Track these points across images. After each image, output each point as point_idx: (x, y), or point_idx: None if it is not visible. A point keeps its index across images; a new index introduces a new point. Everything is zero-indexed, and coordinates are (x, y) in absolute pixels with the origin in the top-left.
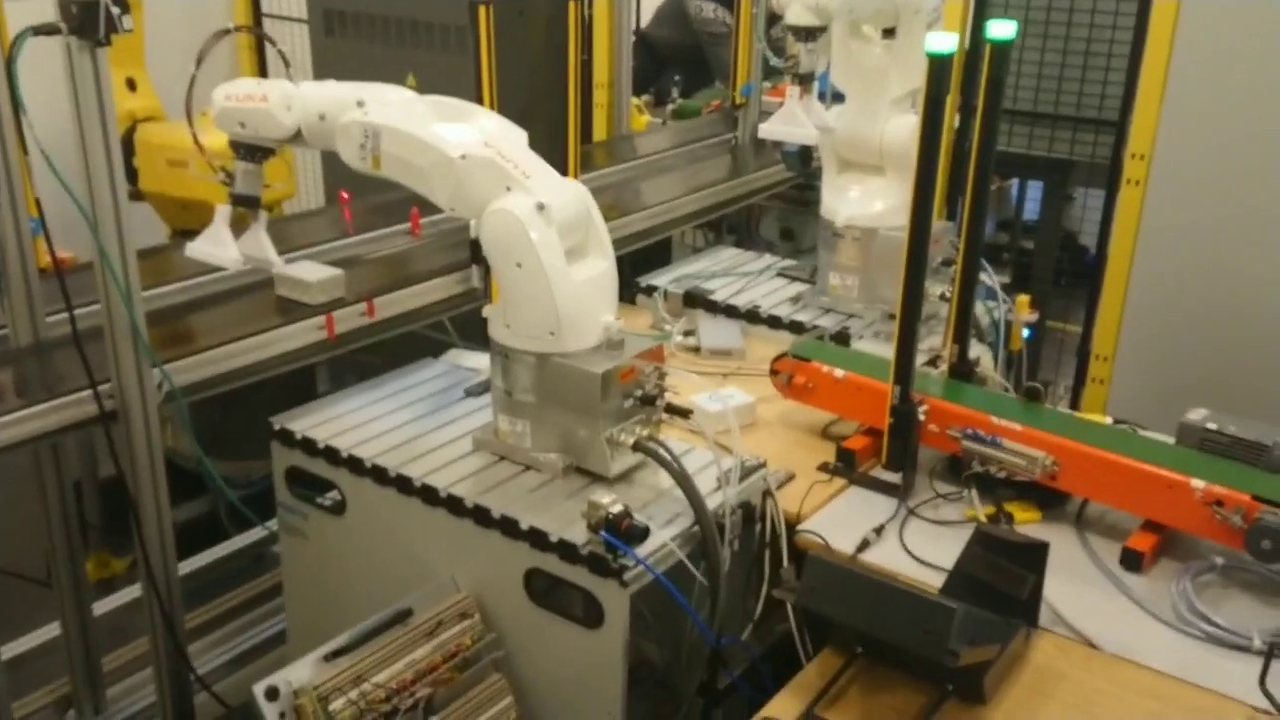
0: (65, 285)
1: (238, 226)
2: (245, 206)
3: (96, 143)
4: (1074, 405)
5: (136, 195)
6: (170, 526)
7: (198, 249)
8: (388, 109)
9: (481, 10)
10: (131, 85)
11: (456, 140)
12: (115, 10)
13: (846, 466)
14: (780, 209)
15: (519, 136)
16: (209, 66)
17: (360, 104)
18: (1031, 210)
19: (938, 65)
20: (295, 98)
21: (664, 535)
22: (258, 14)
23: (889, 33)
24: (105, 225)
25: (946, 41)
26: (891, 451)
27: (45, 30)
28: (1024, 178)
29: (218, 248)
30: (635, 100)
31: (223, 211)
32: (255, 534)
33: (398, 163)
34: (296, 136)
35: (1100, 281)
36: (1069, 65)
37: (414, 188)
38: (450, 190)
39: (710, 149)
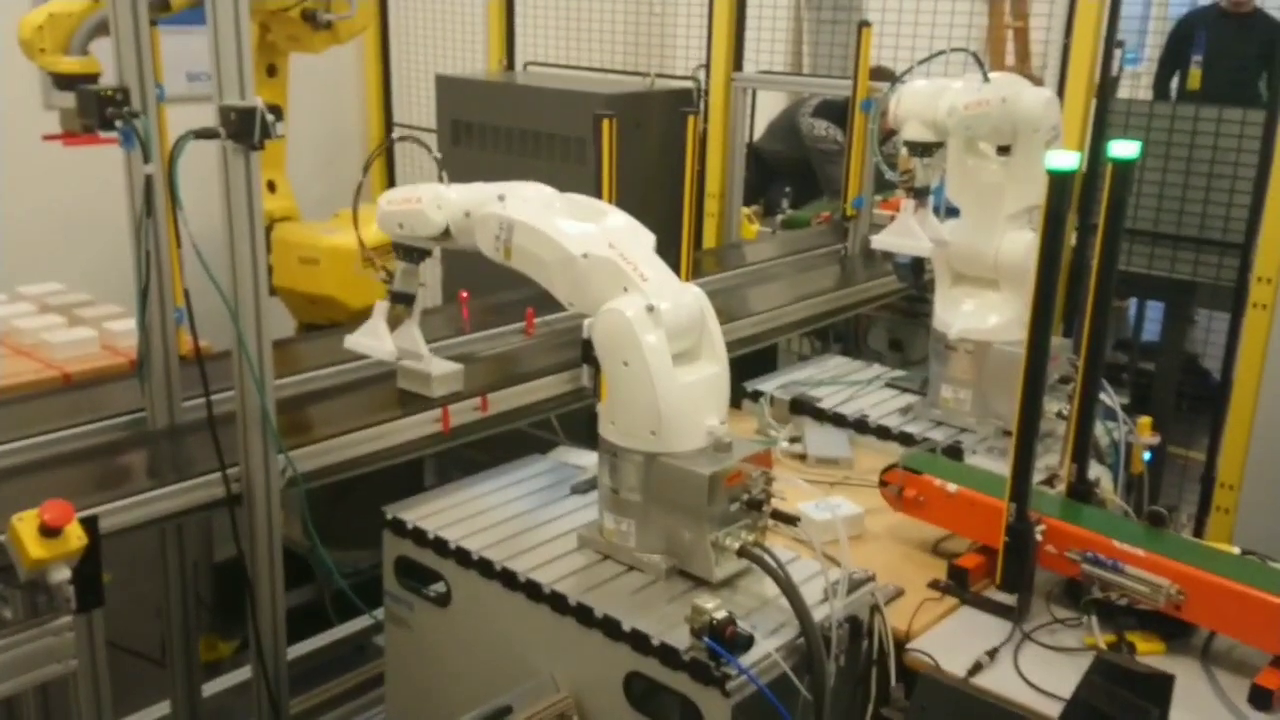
0: (205, 372)
1: (392, 323)
2: (402, 304)
3: (244, 239)
4: (1198, 534)
5: (269, 290)
6: (283, 610)
7: (357, 341)
8: (524, 205)
9: (605, 123)
10: (271, 187)
11: (581, 239)
12: (270, 118)
13: (958, 585)
14: (889, 320)
15: (646, 239)
16: (339, 174)
17: (501, 198)
18: (1150, 331)
19: (1058, 182)
20: (444, 198)
21: (768, 645)
22: (389, 123)
23: (1004, 149)
24: (246, 316)
25: (1067, 159)
26: (1006, 572)
27: (205, 134)
28: (1144, 298)
29: (375, 340)
30: (745, 210)
31: (381, 307)
32: (359, 623)
33: (526, 255)
34: (446, 234)
35: (1225, 407)
36: (1191, 186)
37: (539, 280)
38: (569, 286)
39: (819, 259)
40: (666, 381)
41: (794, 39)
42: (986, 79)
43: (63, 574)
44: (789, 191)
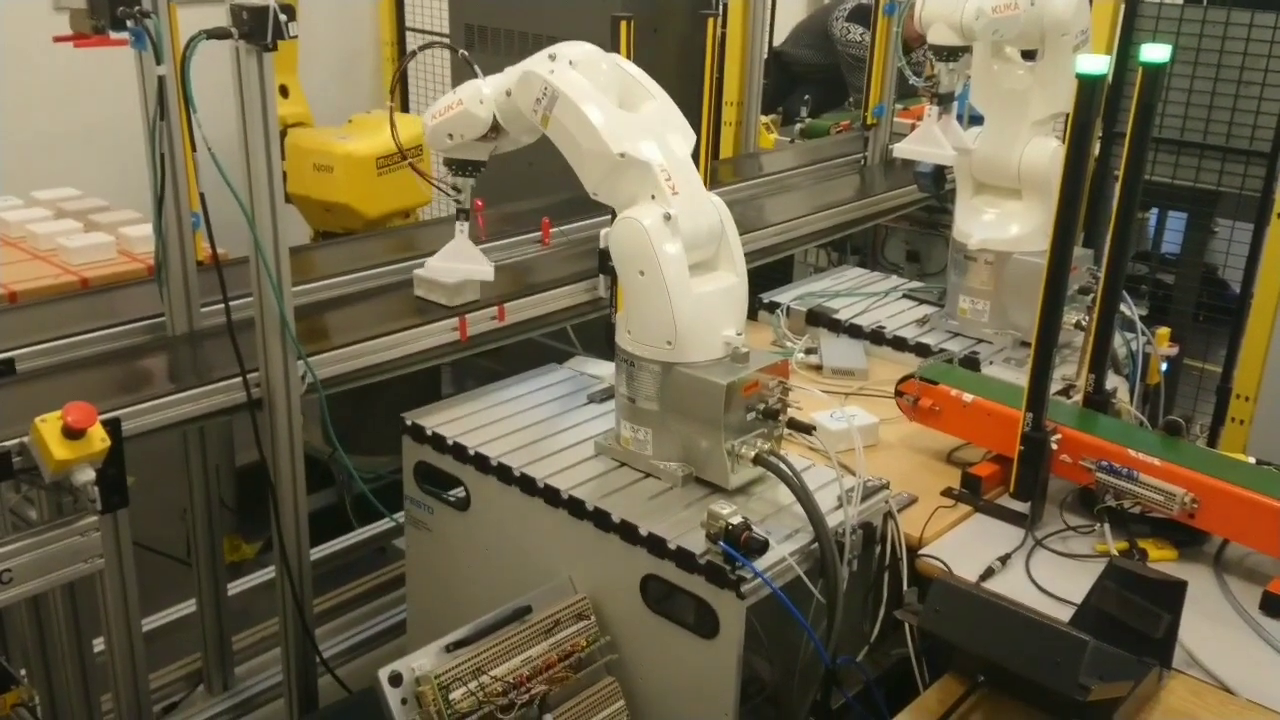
0: (223, 278)
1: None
2: (465, 220)
3: (259, 143)
4: (1212, 444)
5: (284, 197)
6: (305, 513)
7: (451, 269)
8: (571, 75)
9: (623, 25)
10: (284, 92)
11: (622, 135)
12: (283, 17)
13: (972, 493)
14: (907, 231)
15: (686, 139)
16: (353, 80)
17: (551, 57)
18: (1171, 242)
19: (1088, 87)
20: (482, 91)
21: (782, 550)
22: (401, 28)
23: (1031, 54)
24: (262, 221)
25: (1097, 63)
26: (1021, 480)
27: (217, 34)
28: (1165, 208)
29: (473, 264)
30: (764, 119)
31: (461, 228)
32: (380, 526)
33: (561, 131)
34: (495, 128)
35: (1244, 319)
36: (1220, 94)
37: (567, 157)
38: (598, 177)
39: (838, 168)
40: (683, 291)
41: None
42: None
43: (87, 475)
44: (808, 100)
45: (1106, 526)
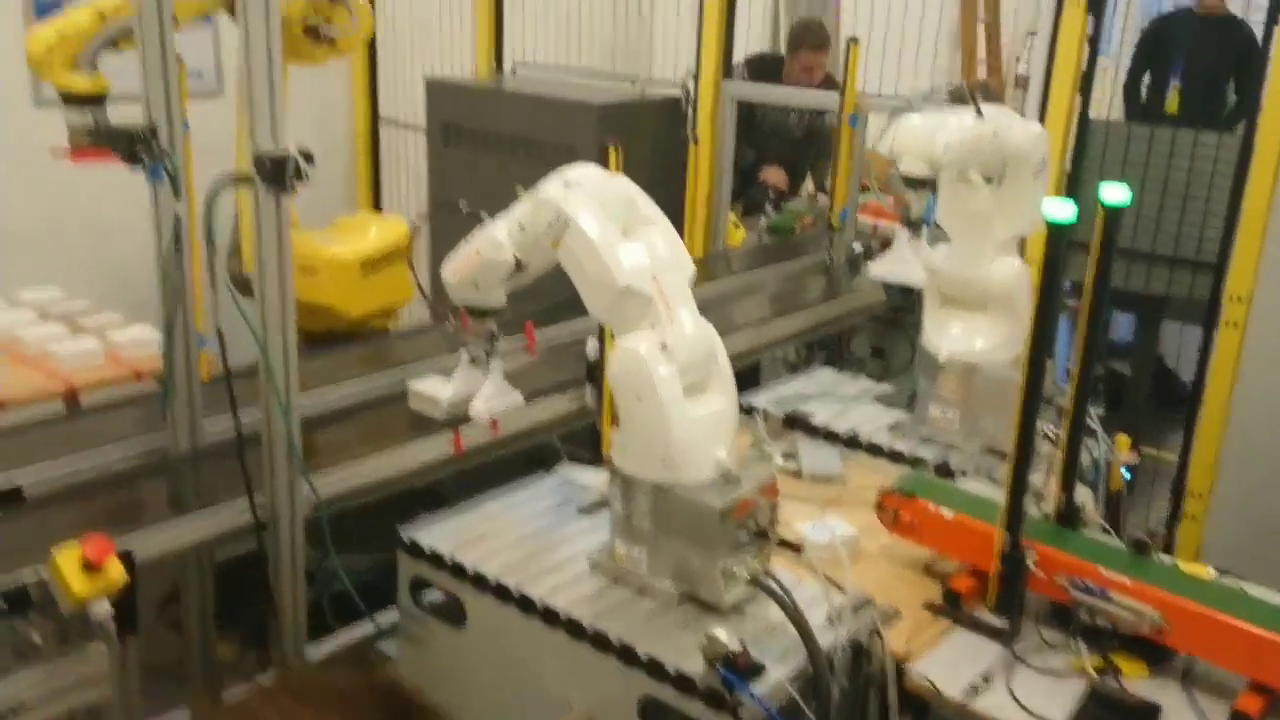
0: (234, 399)
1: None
2: (495, 356)
3: (273, 278)
4: (1169, 540)
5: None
6: (304, 628)
7: (469, 405)
8: (585, 203)
9: (612, 150)
10: None
11: (628, 270)
12: (303, 164)
13: (952, 607)
14: (872, 327)
15: (685, 268)
16: (327, 171)
17: (566, 185)
18: (1120, 329)
19: (1055, 233)
20: (494, 236)
21: (779, 673)
22: (375, 120)
23: (994, 180)
24: (275, 347)
25: (1065, 210)
26: (1000, 598)
27: (240, 180)
28: (1117, 309)
29: (507, 396)
30: (732, 216)
31: (465, 361)
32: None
33: (571, 256)
34: (519, 267)
35: (1194, 419)
36: (1167, 206)
37: (574, 280)
38: (601, 305)
39: (806, 268)
40: (678, 416)
41: (772, 37)
42: (979, 114)
43: (104, 609)
44: (772, 195)
45: (1082, 644)
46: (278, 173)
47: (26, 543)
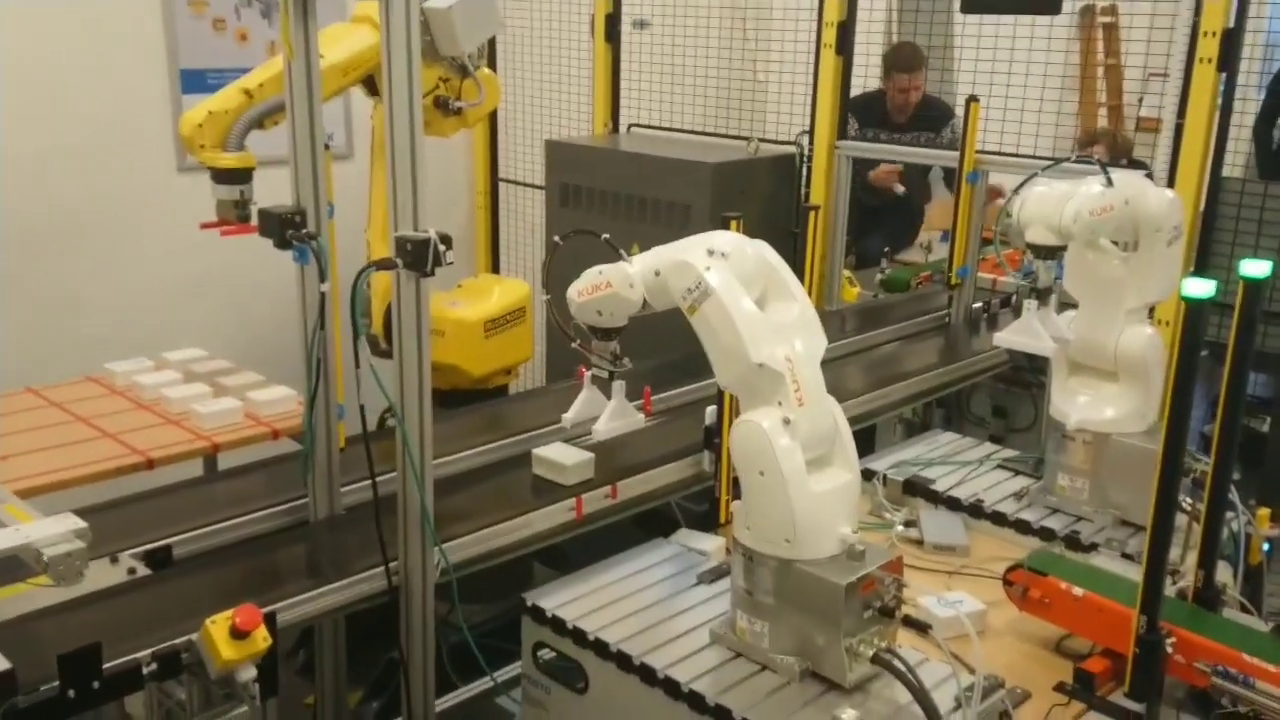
0: (374, 473)
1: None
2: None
3: (411, 354)
4: None
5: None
6: (434, 693)
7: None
8: (725, 275)
9: (733, 224)
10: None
11: (763, 347)
12: (442, 248)
13: (1085, 690)
14: (992, 385)
15: (818, 345)
16: (451, 227)
17: (710, 253)
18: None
19: (1194, 311)
20: (629, 274)
21: None
22: (495, 179)
23: (1125, 244)
24: (411, 420)
25: (1203, 287)
26: (1136, 682)
27: (384, 265)
28: (1254, 370)
29: (628, 417)
30: (846, 273)
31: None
32: (480, 685)
33: (706, 326)
34: (645, 306)
35: None
36: None
37: (706, 348)
38: (734, 378)
39: (923, 325)
40: (801, 492)
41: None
42: (1109, 182)
43: (250, 673)
44: (888, 251)
45: None
46: (419, 257)
47: (175, 604)
